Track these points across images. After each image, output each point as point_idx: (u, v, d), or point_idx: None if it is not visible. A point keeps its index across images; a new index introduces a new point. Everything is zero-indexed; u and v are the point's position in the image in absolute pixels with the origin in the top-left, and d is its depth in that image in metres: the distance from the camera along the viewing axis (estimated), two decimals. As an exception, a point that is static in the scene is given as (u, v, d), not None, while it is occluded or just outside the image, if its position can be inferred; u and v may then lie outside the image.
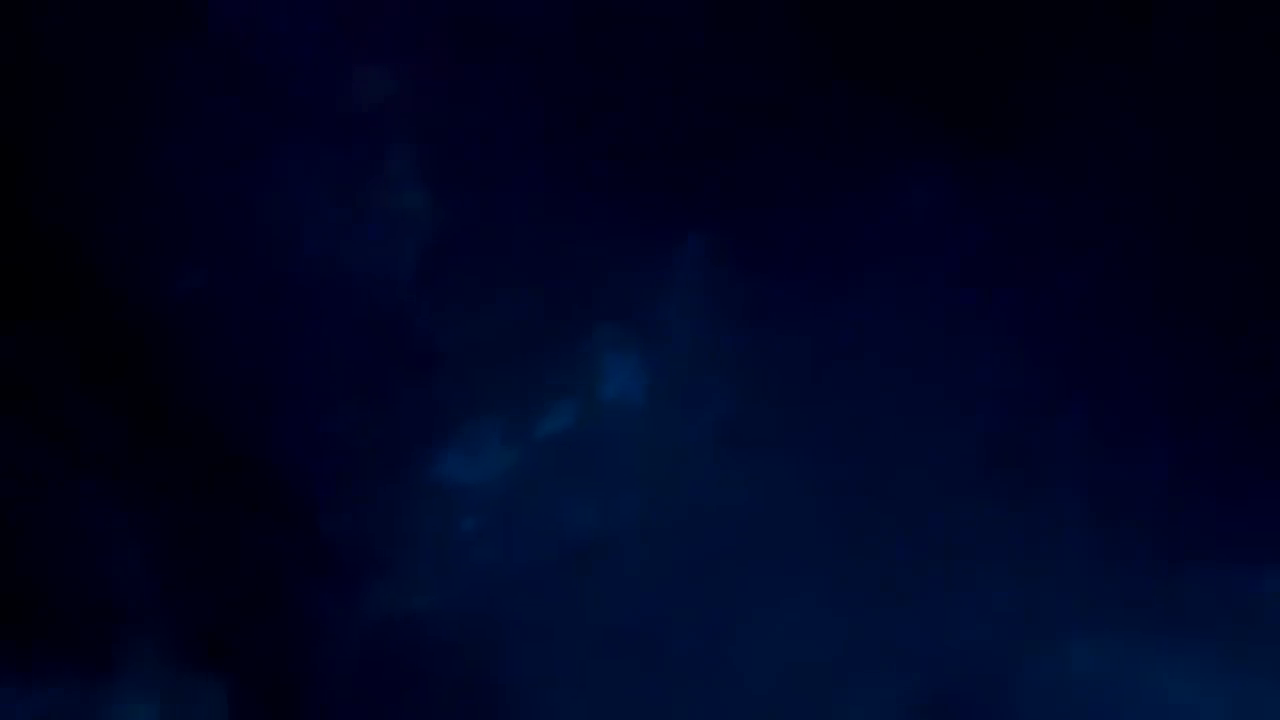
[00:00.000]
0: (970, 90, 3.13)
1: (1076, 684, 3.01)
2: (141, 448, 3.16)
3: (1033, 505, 3.08)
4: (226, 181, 3.11)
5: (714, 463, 3.13)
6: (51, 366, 3.12)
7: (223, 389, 3.15)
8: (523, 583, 3.13)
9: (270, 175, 3.12)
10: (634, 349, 3.14)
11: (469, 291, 3.14)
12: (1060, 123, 3.14)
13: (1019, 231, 3.13)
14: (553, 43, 3.11)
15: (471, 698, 3.08)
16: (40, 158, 3.15)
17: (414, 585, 3.13)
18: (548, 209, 3.14)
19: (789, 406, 3.13)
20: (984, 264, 3.13)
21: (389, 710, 3.07)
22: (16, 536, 3.05)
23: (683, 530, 3.12)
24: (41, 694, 3.01)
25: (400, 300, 3.13)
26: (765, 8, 3.11)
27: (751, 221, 3.13)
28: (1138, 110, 3.14)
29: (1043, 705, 3.01)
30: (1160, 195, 3.13)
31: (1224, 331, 3.11)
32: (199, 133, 3.11)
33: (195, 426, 3.16)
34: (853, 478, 3.12)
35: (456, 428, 3.14)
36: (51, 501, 3.08)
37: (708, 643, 3.11)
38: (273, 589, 3.15)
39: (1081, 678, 3.01)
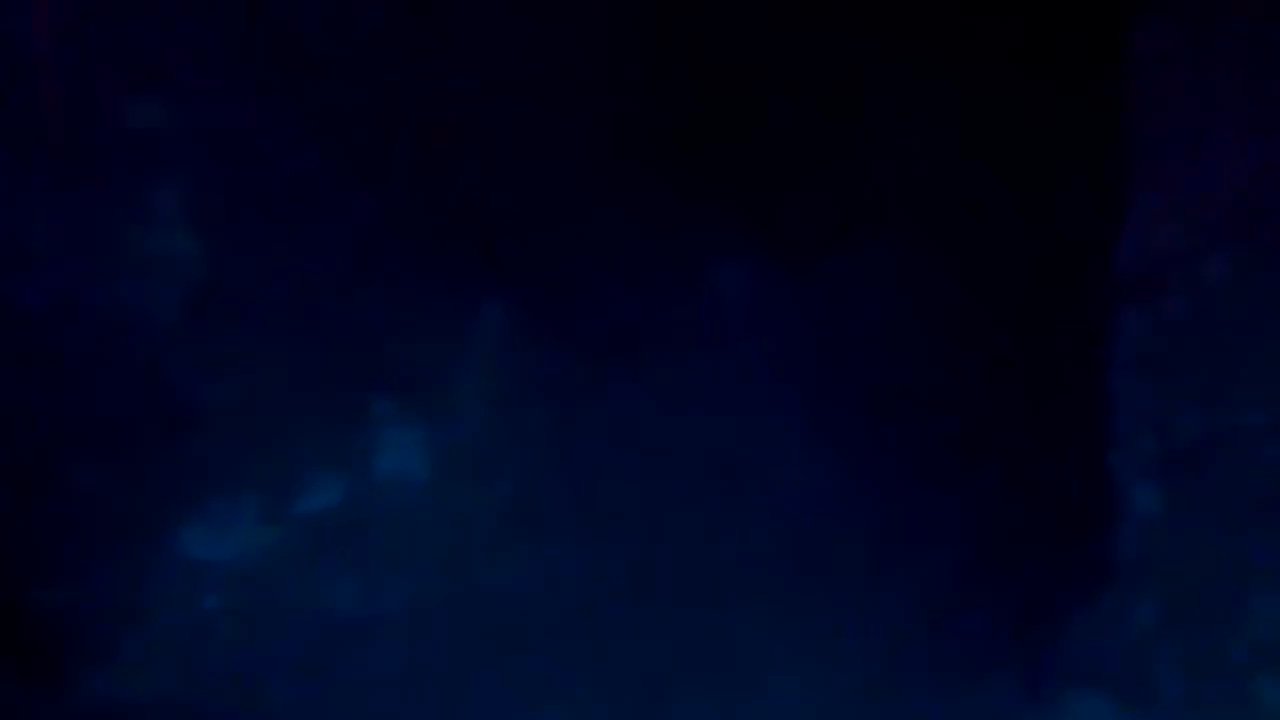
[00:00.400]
0: (782, 179, 2.90)
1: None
2: None
3: (822, 607, 2.97)
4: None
5: (495, 546, 2.87)
6: None
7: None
8: (267, 670, 2.82)
9: (2, 206, 2.59)
10: (416, 423, 2.81)
11: (234, 348, 2.72)
12: (875, 215, 2.95)
13: (825, 324, 2.95)
14: (354, 88, 2.67)
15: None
16: None
17: (135, 671, 2.76)
18: (331, 265, 2.73)
19: (580, 490, 2.89)
20: (788, 355, 2.94)
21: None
22: None
23: (454, 616, 2.87)
24: None
25: (153, 351, 2.69)
26: (581, 82, 2.77)
27: (552, 296, 2.83)
28: (952, 201, 2.98)
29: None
30: (968, 289, 3.00)
31: (1023, 433, 3.05)
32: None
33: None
34: (640, 569, 2.92)
35: (205, 496, 2.76)
36: None
37: (467, 739, 2.89)
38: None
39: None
